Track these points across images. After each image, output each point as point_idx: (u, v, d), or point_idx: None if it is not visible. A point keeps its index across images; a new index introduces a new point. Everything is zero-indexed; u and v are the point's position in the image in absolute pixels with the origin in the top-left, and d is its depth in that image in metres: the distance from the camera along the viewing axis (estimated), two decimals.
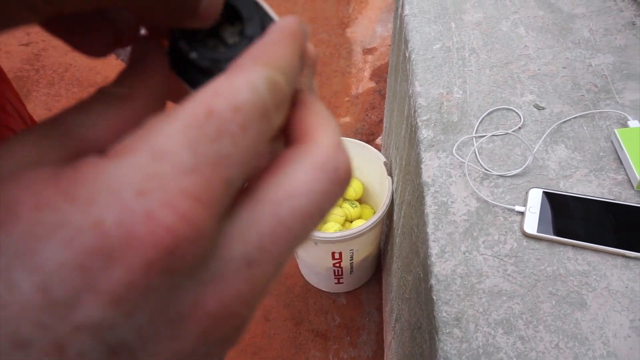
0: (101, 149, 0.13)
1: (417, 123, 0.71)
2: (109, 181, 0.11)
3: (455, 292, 0.52)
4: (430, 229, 0.58)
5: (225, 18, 0.17)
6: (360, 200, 1.36)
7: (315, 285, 1.40)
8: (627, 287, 0.48)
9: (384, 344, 1.21)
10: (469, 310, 0.50)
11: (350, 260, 1.18)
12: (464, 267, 0.53)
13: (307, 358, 1.28)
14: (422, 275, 0.61)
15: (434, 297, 0.52)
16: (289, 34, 0.15)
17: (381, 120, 1.92)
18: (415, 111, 0.73)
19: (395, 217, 1.05)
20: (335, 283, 1.32)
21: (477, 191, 0.59)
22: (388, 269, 1.19)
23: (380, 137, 1.84)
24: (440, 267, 0.54)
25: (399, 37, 1.01)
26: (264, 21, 0.17)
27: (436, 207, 0.59)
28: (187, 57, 0.16)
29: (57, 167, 0.11)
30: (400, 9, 1.01)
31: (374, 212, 1.34)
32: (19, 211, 0.10)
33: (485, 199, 0.58)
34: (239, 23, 0.17)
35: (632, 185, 0.56)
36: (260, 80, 0.13)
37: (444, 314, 0.50)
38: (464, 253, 0.55)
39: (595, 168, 0.59)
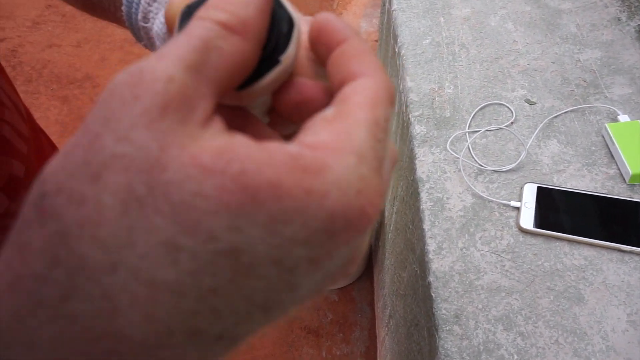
0: None
1: (409, 119, 0.71)
2: (336, 179, 0.14)
3: (453, 288, 0.52)
4: (426, 225, 0.58)
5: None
6: None
7: None
8: (623, 281, 0.49)
9: (377, 339, 1.21)
10: (468, 307, 0.50)
11: None
12: (462, 264, 0.53)
13: (300, 355, 1.28)
14: (418, 272, 0.61)
15: (433, 295, 0.52)
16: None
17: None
18: (407, 107, 0.73)
19: (387, 213, 1.05)
20: None
21: (472, 187, 0.59)
22: (380, 265, 1.19)
23: None
24: (438, 263, 0.54)
25: (387, 32, 1.01)
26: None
27: (432, 204, 0.59)
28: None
29: (294, 154, 0.14)
30: (387, 4, 1.01)
31: None
32: (268, 197, 0.13)
33: (481, 194, 0.58)
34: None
35: (624, 180, 0.56)
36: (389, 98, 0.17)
37: (444, 311, 0.50)
38: (461, 249, 0.55)
39: (587, 162, 0.59)
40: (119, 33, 2.35)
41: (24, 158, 0.39)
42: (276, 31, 0.17)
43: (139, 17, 0.30)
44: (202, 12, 0.15)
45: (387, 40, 1.04)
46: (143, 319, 0.12)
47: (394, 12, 0.90)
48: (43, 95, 2.07)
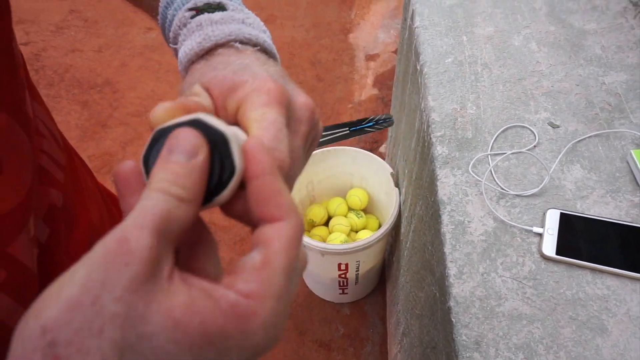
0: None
1: (431, 139, 0.70)
2: (262, 323, 0.19)
3: (474, 314, 0.51)
4: (447, 249, 0.58)
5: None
6: (365, 210, 1.36)
7: (319, 295, 1.40)
8: None
9: (388, 356, 1.20)
10: (488, 334, 0.50)
11: (356, 271, 1.18)
12: (483, 289, 0.53)
13: None
14: (437, 295, 0.61)
15: (453, 320, 0.52)
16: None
17: (385, 128, 1.92)
18: (428, 126, 0.73)
19: (403, 230, 1.04)
20: (340, 293, 1.31)
21: (494, 210, 0.59)
22: (394, 281, 1.19)
23: (384, 145, 1.83)
24: (459, 288, 0.54)
25: (408, 48, 1.01)
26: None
27: (453, 227, 0.59)
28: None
29: (233, 303, 0.19)
30: (409, 20, 1.01)
31: (379, 222, 1.33)
32: (218, 338, 0.18)
33: (503, 219, 0.58)
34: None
35: None
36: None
37: (464, 337, 0.50)
38: (482, 274, 0.54)
39: (611, 189, 0.59)
40: (140, 40, 2.38)
41: (62, 186, 0.39)
42: (216, 176, 0.22)
43: (170, 35, 0.32)
44: (163, 184, 0.19)
45: (407, 56, 1.04)
46: None
47: (416, 29, 0.90)
48: (64, 100, 2.10)
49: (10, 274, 0.30)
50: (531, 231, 0.56)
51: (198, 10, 0.30)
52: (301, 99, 0.28)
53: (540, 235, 0.56)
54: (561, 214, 0.56)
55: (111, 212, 0.53)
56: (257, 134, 0.24)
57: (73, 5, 2.59)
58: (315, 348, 1.30)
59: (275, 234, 0.21)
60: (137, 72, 2.22)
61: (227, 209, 0.24)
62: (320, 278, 1.26)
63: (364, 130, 0.48)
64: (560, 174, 0.61)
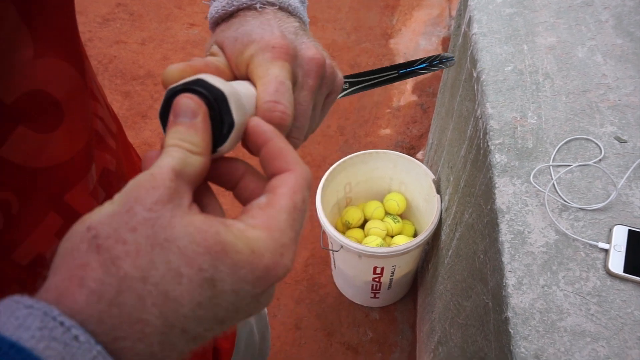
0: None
1: (488, 146, 0.69)
2: (269, 247, 0.21)
3: (534, 327, 0.50)
4: (505, 258, 0.56)
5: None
6: (402, 216, 1.35)
7: (349, 297, 1.39)
8: None
9: None
10: (549, 349, 0.48)
11: (391, 276, 1.17)
12: (543, 302, 0.52)
13: None
14: (491, 304, 0.59)
15: (511, 331, 0.50)
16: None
17: (422, 135, 1.90)
18: (486, 134, 0.71)
19: (444, 237, 1.03)
20: (371, 297, 1.30)
21: (556, 222, 0.57)
22: (428, 288, 1.17)
23: (421, 152, 1.82)
24: (518, 299, 0.52)
25: (462, 54, 1.00)
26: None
27: (512, 236, 0.58)
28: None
29: (242, 229, 0.22)
30: (465, 27, 1.00)
31: (415, 229, 1.32)
32: (231, 250, 0.21)
33: (565, 231, 0.56)
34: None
35: None
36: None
37: (522, 349, 0.49)
38: (543, 287, 0.53)
39: None
40: (182, 34, 2.42)
41: (114, 153, 0.40)
42: (222, 125, 0.24)
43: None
44: (175, 141, 0.22)
45: (460, 63, 1.02)
46: (158, 315, 0.19)
47: (474, 35, 0.88)
48: (107, 89, 2.15)
49: (66, 222, 0.30)
50: (596, 246, 0.54)
51: None
52: (309, 53, 0.30)
53: (606, 251, 0.54)
54: (629, 230, 0.54)
55: None
56: (260, 90, 0.27)
57: None
58: (343, 350, 1.30)
59: (280, 182, 0.24)
60: None
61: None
62: (354, 280, 1.25)
63: (416, 72, 0.45)
64: (628, 190, 0.59)
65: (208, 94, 0.24)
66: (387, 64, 2.27)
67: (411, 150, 1.86)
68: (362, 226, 1.32)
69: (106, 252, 0.19)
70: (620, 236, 0.54)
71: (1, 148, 0.24)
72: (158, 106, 0.26)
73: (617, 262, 0.52)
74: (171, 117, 0.23)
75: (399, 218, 1.30)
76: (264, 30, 0.29)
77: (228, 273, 0.20)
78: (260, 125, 0.25)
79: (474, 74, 0.84)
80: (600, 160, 0.63)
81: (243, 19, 0.30)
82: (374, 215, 1.30)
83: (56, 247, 0.26)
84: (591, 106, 0.70)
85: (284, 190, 0.23)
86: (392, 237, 1.28)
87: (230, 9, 0.31)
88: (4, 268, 0.26)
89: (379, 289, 1.24)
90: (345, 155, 1.20)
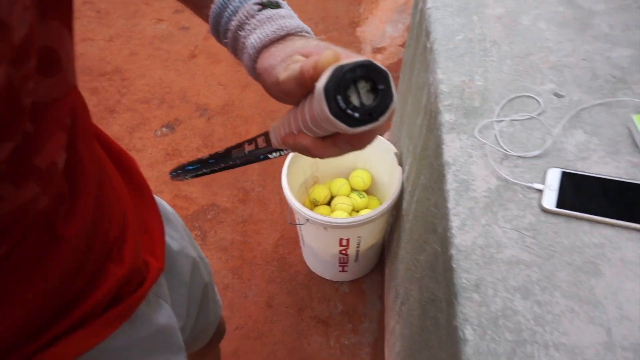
0: None
1: (438, 108, 0.73)
2: None
3: (474, 261, 0.54)
4: (451, 204, 0.60)
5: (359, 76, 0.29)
6: (368, 192, 1.38)
7: (319, 274, 1.42)
8: None
9: (386, 330, 1.22)
10: (488, 278, 0.52)
11: (357, 247, 1.20)
12: (484, 239, 0.56)
13: (309, 343, 1.29)
14: (439, 249, 0.63)
15: (454, 266, 0.54)
16: None
17: (389, 119, 1.94)
18: (436, 97, 0.75)
19: (405, 205, 1.07)
20: (340, 271, 1.34)
21: (497, 170, 0.61)
22: (393, 258, 1.21)
23: (387, 134, 1.86)
24: (461, 238, 0.56)
25: (419, 30, 1.04)
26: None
27: (457, 184, 0.62)
28: (346, 112, 0.29)
29: None
30: (421, 3, 1.04)
31: (380, 203, 1.36)
32: None
33: (506, 177, 0.60)
34: (370, 80, 0.30)
35: None
36: None
37: (464, 281, 0.52)
38: (484, 226, 0.57)
39: (611, 151, 0.61)
40: (150, 30, 2.41)
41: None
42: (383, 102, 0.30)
43: (233, 24, 0.39)
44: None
45: (417, 39, 1.06)
46: None
47: (428, 10, 0.92)
48: None
49: (70, 138, 0.35)
50: (532, 187, 0.59)
51: (263, 5, 0.38)
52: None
53: (541, 191, 0.58)
54: (562, 172, 0.59)
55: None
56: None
57: None
58: (314, 324, 1.33)
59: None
60: (146, 60, 2.24)
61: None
62: (322, 254, 1.28)
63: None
64: (563, 138, 0.64)
65: (386, 70, 0.30)
66: (354, 51, 2.31)
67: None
68: (330, 203, 1.35)
69: None
70: (553, 177, 0.59)
71: (22, 91, 0.27)
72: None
73: (550, 200, 0.56)
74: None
75: (364, 194, 1.34)
76: (317, 44, 0.37)
77: None
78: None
79: (428, 45, 0.88)
80: (539, 114, 0.67)
81: (299, 40, 0.38)
82: (340, 192, 1.33)
83: (65, 157, 0.33)
84: (533, 67, 0.75)
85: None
86: (358, 212, 1.32)
87: (282, 33, 0.38)
88: (28, 170, 0.30)
89: (347, 262, 1.28)
90: None
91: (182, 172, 0.47)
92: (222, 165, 0.45)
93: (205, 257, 0.67)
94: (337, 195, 1.34)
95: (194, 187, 1.66)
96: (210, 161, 0.46)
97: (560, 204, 0.56)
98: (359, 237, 1.16)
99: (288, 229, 1.53)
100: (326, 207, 1.34)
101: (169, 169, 0.49)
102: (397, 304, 1.04)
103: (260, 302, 1.39)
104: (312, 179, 1.38)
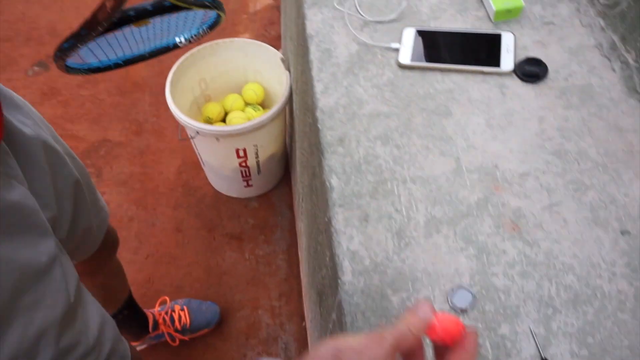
0: None
1: None
2: None
3: (338, 119, 0.55)
4: (314, 72, 0.61)
5: None
6: (263, 105, 1.37)
7: (225, 193, 1.42)
8: (484, 96, 0.54)
9: (298, 235, 1.27)
10: (351, 132, 0.54)
11: (256, 157, 1.21)
12: (347, 99, 0.57)
13: (224, 259, 1.31)
14: (310, 120, 0.64)
15: (319, 127, 0.56)
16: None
17: (280, 36, 1.90)
18: None
19: (295, 109, 1.07)
20: (245, 187, 1.34)
21: (357, 36, 0.62)
22: (294, 163, 1.23)
23: (280, 50, 1.83)
24: (325, 101, 0.57)
25: None
26: None
27: (320, 54, 0.62)
28: None
29: None
30: None
31: None
32: None
33: (365, 41, 0.62)
34: None
35: (490, 19, 0.62)
36: None
37: (329, 137, 0.54)
38: (346, 87, 0.58)
39: (460, 9, 0.64)
40: None
41: None
42: None
43: None
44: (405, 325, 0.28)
45: None
46: None
47: None
48: None
49: None
50: (390, 47, 0.61)
51: None
52: None
53: (397, 49, 0.60)
54: (416, 30, 0.61)
55: None
56: None
57: None
58: (227, 241, 1.34)
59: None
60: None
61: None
62: (222, 170, 1.27)
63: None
64: (417, 1, 0.65)
65: None
66: None
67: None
68: (225, 120, 1.33)
69: None
70: (408, 36, 0.61)
71: None
72: None
73: (405, 56, 0.59)
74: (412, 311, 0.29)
75: (259, 107, 1.33)
76: None
77: None
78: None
79: None
80: None
81: None
82: (234, 107, 1.31)
83: None
84: None
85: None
86: None
87: None
88: None
89: (249, 175, 1.28)
90: None
91: (60, 53, 0.42)
92: (96, 31, 0.41)
93: (77, 158, 0.64)
94: (231, 111, 1.31)
95: (80, 125, 1.55)
96: (82, 32, 0.42)
97: (415, 58, 0.58)
98: (255, 145, 1.16)
99: (189, 155, 1.49)
100: (221, 124, 1.31)
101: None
102: (299, 203, 1.07)
103: (168, 228, 1.37)
104: (204, 97, 1.34)
